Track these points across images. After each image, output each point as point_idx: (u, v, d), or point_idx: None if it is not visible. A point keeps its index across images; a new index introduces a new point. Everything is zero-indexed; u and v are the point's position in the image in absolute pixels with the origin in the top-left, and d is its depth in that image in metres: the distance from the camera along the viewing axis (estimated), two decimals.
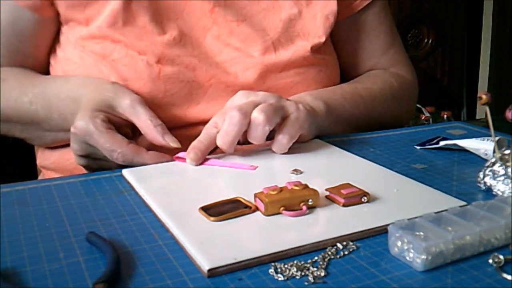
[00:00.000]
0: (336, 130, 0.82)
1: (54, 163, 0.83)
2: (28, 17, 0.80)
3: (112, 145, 0.66)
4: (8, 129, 0.83)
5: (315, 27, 0.84)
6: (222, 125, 0.66)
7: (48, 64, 0.86)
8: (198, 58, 0.78)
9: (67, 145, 0.80)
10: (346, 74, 0.96)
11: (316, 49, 0.84)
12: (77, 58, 0.79)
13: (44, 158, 0.86)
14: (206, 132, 0.68)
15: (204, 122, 0.70)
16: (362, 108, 0.86)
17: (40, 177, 0.93)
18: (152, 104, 0.72)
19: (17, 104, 0.77)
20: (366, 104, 0.86)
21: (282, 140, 0.68)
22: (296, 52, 0.82)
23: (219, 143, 0.67)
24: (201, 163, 0.67)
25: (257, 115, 0.65)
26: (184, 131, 0.77)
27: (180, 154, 0.68)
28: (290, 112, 0.69)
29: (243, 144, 0.70)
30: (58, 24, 0.82)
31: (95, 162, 0.70)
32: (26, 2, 0.79)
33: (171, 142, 0.69)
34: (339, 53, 0.92)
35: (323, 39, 0.84)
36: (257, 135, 0.66)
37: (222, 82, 0.79)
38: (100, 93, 0.71)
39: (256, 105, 0.67)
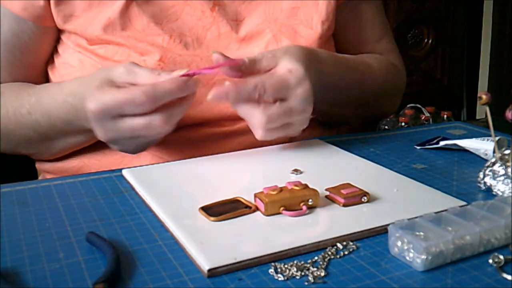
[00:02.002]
0: (324, 95, 0.77)
1: (53, 166, 0.83)
2: (31, 28, 0.79)
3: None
4: (13, 147, 0.81)
5: (318, 11, 0.83)
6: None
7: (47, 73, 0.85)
8: (200, 57, 0.78)
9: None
10: None
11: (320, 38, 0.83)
12: (76, 61, 0.79)
13: (43, 161, 0.85)
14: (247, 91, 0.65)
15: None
16: (358, 77, 0.84)
17: (40, 178, 0.93)
18: None
19: (16, 116, 0.76)
20: (364, 74, 0.86)
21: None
22: (298, 42, 0.80)
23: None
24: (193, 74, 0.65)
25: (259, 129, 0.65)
26: (187, 131, 0.76)
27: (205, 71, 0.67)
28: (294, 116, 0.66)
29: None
30: (58, 32, 0.81)
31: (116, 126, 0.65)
32: (29, 14, 0.78)
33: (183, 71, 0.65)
34: (337, 38, 0.92)
35: (326, 25, 0.83)
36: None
37: (225, 80, 0.78)
38: (94, 75, 0.67)
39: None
